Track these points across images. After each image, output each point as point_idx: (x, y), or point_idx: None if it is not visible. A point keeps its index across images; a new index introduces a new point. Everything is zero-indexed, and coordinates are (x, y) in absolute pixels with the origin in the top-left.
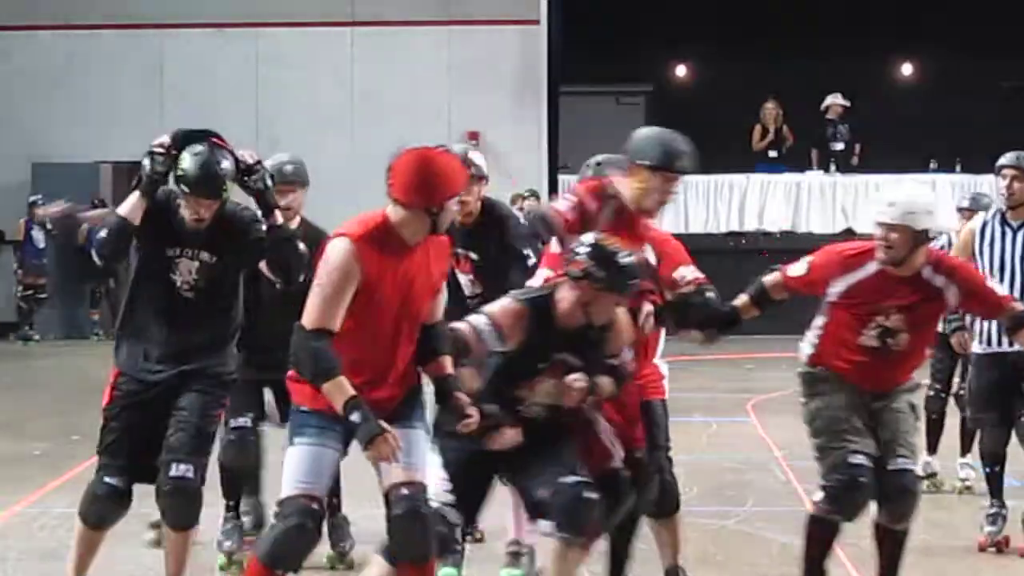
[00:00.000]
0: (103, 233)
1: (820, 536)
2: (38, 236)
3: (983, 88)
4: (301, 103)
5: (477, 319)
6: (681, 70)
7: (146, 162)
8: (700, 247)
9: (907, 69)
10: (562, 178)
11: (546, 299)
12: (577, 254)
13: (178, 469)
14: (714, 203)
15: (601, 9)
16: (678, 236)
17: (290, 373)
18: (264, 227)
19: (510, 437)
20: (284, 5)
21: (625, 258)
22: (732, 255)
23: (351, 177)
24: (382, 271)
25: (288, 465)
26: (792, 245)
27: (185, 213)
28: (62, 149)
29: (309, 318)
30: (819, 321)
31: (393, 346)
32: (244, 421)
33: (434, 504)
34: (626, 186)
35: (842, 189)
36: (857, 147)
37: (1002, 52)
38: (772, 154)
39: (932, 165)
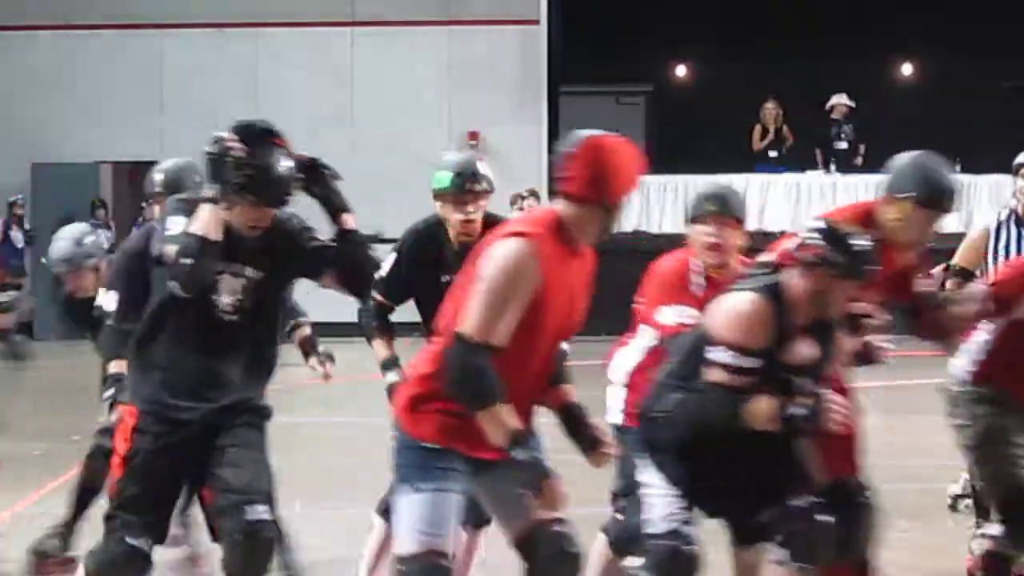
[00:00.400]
0: (185, 261)
1: (997, 572)
2: (17, 236)
3: (983, 88)
4: (301, 103)
5: (717, 354)
6: (681, 70)
7: (219, 167)
8: None
9: (907, 69)
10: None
11: (776, 288)
12: (810, 239)
13: (255, 511)
14: None
15: (601, 9)
16: (677, 236)
17: (402, 399)
18: (314, 235)
19: (842, 406)
20: (284, 5)
21: (861, 241)
22: None
23: (351, 177)
24: (555, 279)
25: (406, 514)
26: None
27: (240, 223)
28: (62, 149)
29: (472, 327)
30: (985, 336)
31: (544, 368)
32: None
33: (671, 525)
34: (882, 216)
35: (842, 189)
36: (862, 147)
37: (1002, 52)
38: (772, 154)
39: None
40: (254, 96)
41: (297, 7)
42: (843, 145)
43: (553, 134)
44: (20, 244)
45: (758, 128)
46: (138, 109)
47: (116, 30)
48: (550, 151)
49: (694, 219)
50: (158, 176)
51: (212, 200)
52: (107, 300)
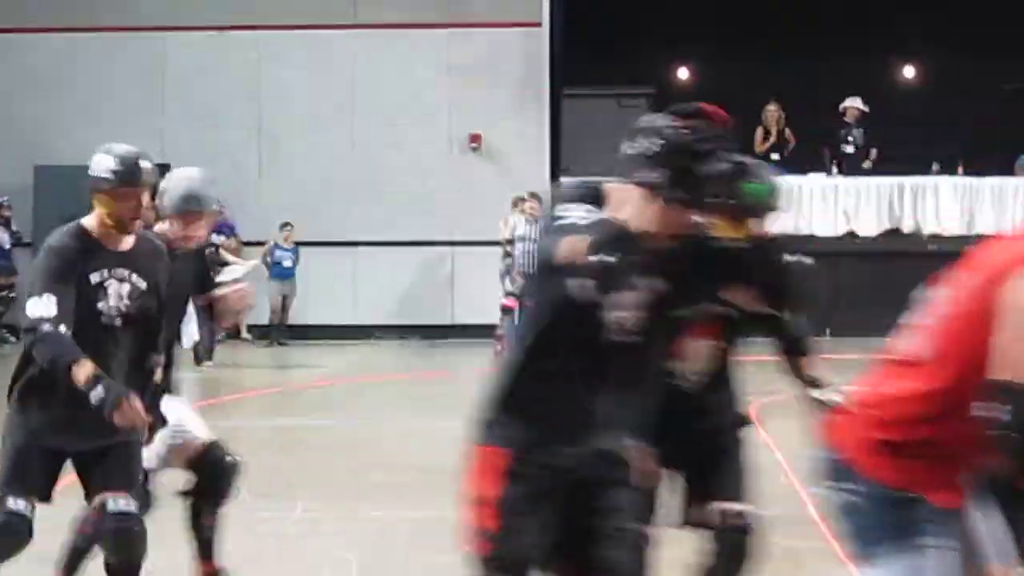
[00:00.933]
0: (604, 256)
1: None
2: (3, 238)
3: (984, 89)
4: (302, 105)
5: None
6: (683, 72)
7: (669, 157)
8: None
9: (908, 71)
10: (564, 180)
11: None
12: None
13: None
14: None
15: (602, 11)
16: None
17: (862, 442)
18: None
19: None
20: (286, 7)
21: None
22: None
23: (351, 179)
24: None
25: None
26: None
27: (661, 228)
28: (64, 151)
29: None
30: None
31: None
32: (23, 506)
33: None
34: None
35: (844, 192)
36: (873, 152)
37: (1003, 53)
38: (774, 156)
39: (934, 167)
40: (256, 97)
41: (299, 9)
42: (850, 149)
43: (555, 136)
44: (7, 245)
45: (760, 130)
46: (140, 111)
47: (118, 32)
48: (552, 153)
49: None
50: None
51: (648, 186)
52: (40, 305)
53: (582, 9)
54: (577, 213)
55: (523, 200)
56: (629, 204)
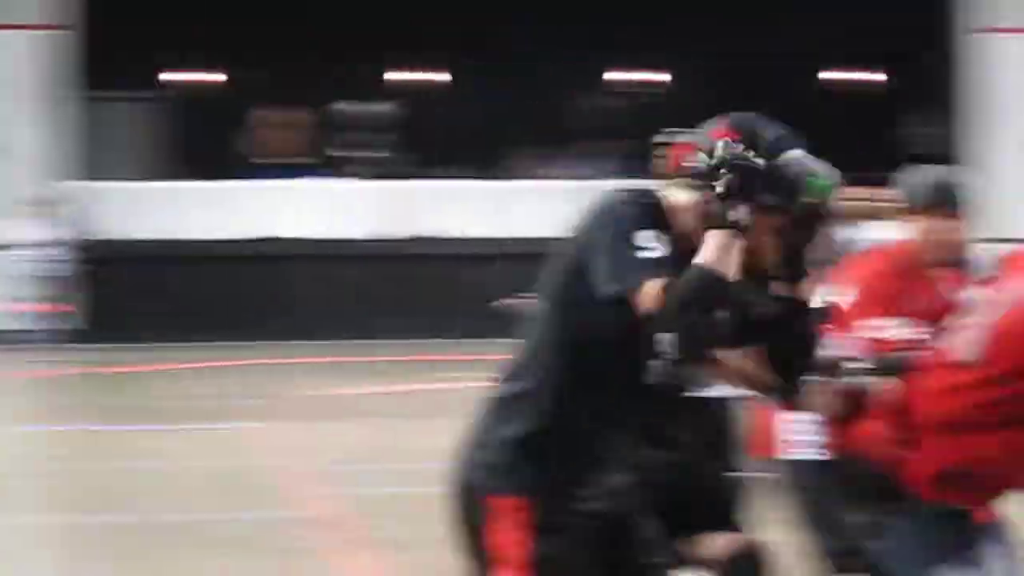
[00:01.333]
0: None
1: None
2: None
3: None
4: None
5: None
6: (204, 75)
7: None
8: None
9: (437, 76)
10: (81, 184)
11: None
12: None
13: None
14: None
15: (119, 15)
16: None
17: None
18: None
19: None
20: None
21: None
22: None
23: None
24: None
25: None
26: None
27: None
28: None
29: None
30: None
31: None
32: None
33: None
34: None
35: (386, 195)
36: (396, 155)
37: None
38: (305, 159)
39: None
40: None
41: None
42: (376, 153)
43: (72, 140)
44: None
45: (285, 134)
46: None
47: None
48: (69, 157)
49: None
50: None
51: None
52: None
53: (99, 13)
54: (647, 239)
55: (36, 204)
56: (704, 237)
